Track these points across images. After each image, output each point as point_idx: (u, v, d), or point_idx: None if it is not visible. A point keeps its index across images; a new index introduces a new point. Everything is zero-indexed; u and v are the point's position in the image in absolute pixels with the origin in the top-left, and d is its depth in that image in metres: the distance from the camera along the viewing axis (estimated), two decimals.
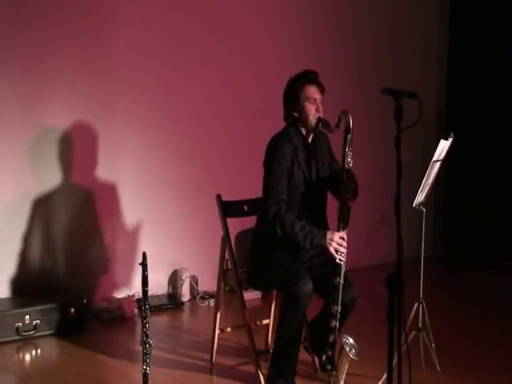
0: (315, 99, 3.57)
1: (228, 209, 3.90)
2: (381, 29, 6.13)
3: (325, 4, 5.81)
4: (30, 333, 4.33)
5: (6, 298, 4.56)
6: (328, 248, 3.44)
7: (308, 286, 3.39)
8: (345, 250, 3.46)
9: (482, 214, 6.30)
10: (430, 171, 3.74)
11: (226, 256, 3.92)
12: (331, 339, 3.45)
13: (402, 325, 2.72)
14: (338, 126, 3.51)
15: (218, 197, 3.88)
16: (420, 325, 3.74)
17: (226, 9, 5.35)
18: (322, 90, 3.61)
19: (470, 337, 4.45)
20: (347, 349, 3.35)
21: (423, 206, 3.80)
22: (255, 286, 3.89)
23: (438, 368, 3.81)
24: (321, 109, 3.59)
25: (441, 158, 3.79)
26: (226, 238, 3.89)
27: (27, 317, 4.32)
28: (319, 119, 3.56)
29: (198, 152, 5.29)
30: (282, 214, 3.48)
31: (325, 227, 3.65)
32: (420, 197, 3.79)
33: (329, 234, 3.46)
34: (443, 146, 3.75)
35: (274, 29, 5.56)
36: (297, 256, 3.59)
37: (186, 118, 5.24)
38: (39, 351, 4.25)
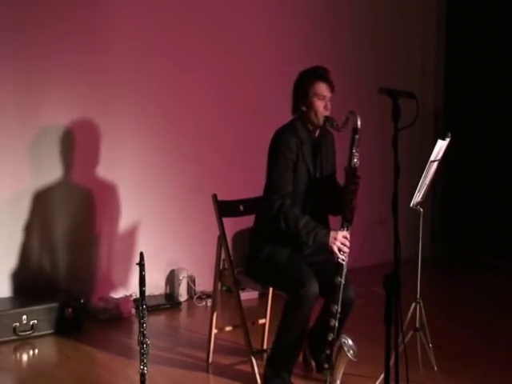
0: (324, 97, 3.55)
1: (224, 208, 3.90)
2: (378, 28, 6.13)
3: (321, 3, 5.81)
4: (28, 333, 4.32)
5: (3, 298, 4.55)
6: (331, 247, 3.44)
7: (314, 288, 3.38)
8: (347, 250, 3.46)
9: (480, 214, 6.30)
10: (428, 171, 3.74)
11: (223, 256, 3.92)
12: (330, 338, 3.45)
13: (399, 325, 2.73)
14: (344, 124, 3.50)
15: (214, 196, 3.88)
16: (417, 325, 3.75)
17: (223, 9, 5.34)
18: (332, 89, 3.58)
19: (467, 337, 4.46)
20: (345, 349, 3.35)
21: (420, 206, 3.81)
22: (253, 278, 3.85)
23: (436, 368, 3.81)
24: (329, 107, 3.57)
25: (438, 158, 3.79)
26: (222, 237, 3.89)
27: (24, 317, 4.31)
28: (327, 117, 3.55)
29: (195, 152, 5.29)
30: (286, 209, 3.45)
31: (325, 223, 3.64)
32: (417, 197, 3.79)
33: (332, 233, 3.46)
34: (440, 146, 3.75)
35: (271, 29, 5.56)
36: (299, 251, 3.57)
37: (183, 118, 5.23)
38: (36, 351, 4.24)
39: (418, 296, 3.76)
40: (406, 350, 2.94)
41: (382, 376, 2.89)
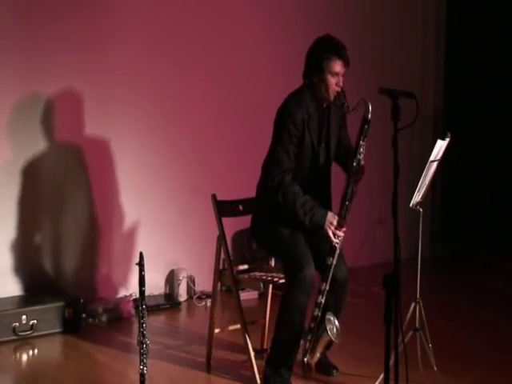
0: (338, 73, 3.48)
1: (223, 208, 3.90)
2: (377, 28, 6.12)
3: (320, 4, 5.80)
4: (27, 333, 4.32)
5: (2, 298, 4.55)
6: (326, 230, 3.44)
7: (311, 271, 3.41)
8: (342, 234, 3.47)
9: (479, 215, 6.30)
10: (427, 171, 3.74)
11: (222, 256, 3.92)
12: (315, 313, 3.48)
13: (399, 325, 2.73)
14: (354, 109, 3.45)
15: (214, 197, 3.88)
16: (417, 325, 3.74)
17: (223, 10, 5.34)
18: (348, 64, 3.51)
19: (466, 337, 4.46)
20: (329, 327, 3.36)
21: (420, 206, 3.80)
22: (257, 242, 3.87)
23: (435, 368, 3.81)
24: (341, 83, 3.50)
25: (438, 158, 3.79)
26: (221, 237, 3.89)
27: (24, 317, 4.31)
28: (338, 93, 3.49)
29: (195, 152, 5.29)
30: (285, 185, 3.43)
31: (327, 200, 3.63)
32: (417, 197, 3.79)
33: (330, 216, 3.45)
34: (440, 145, 3.75)
35: (270, 29, 5.55)
36: (299, 228, 3.54)
37: (183, 118, 5.23)
38: (36, 351, 4.24)
39: (418, 296, 3.76)
40: (405, 349, 2.94)
41: (382, 376, 2.89)
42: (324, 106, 3.60)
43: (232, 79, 5.40)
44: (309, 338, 3.51)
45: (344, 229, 3.47)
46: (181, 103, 5.21)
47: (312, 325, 3.50)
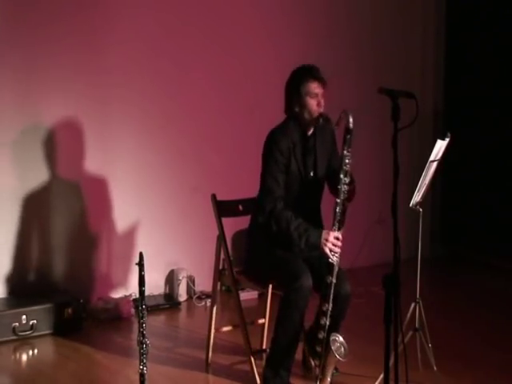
0: (317, 94, 3.55)
1: (223, 208, 3.90)
2: (377, 28, 6.13)
3: (320, 4, 5.81)
4: (27, 333, 4.32)
5: (2, 298, 4.55)
6: (323, 248, 3.44)
7: (309, 281, 3.39)
8: (339, 250, 3.46)
9: (479, 215, 6.30)
10: (427, 171, 3.74)
11: (222, 256, 3.92)
12: (320, 336, 3.45)
13: (398, 325, 2.73)
14: (337, 124, 3.51)
15: (213, 196, 3.89)
16: (417, 325, 3.75)
17: (222, 9, 5.34)
18: (324, 84, 3.58)
19: (466, 337, 4.46)
20: (334, 348, 3.34)
21: (420, 206, 3.81)
22: (251, 278, 3.83)
23: (435, 368, 3.81)
24: (323, 103, 3.57)
25: (438, 158, 3.79)
26: (221, 237, 3.89)
27: (24, 317, 4.31)
28: (321, 114, 3.55)
29: (194, 152, 5.29)
30: (277, 212, 3.48)
31: (318, 223, 3.64)
32: (417, 197, 3.79)
33: (324, 234, 3.46)
34: (440, 145, 3.75)
35: (270, 29, 5.56)
36: (293, 251, 3.57)
37: (182, 118, 5.23)
38: (36, 351, 4.24)
39: (418, 296, 3.76)
40: (405, 349, 2.94)
41: (382, 376, 2.88)
42: (309, 133, 3.66)
43: (232, 79, 5.40)
44: (317, 363, 3.49)
45: (340, 243, 3.46)
46: (180, 103, 5.21)
47: (318, 349, 3.46)
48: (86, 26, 4.78)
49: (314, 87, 3.55)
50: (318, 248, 3.47)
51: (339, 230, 3.49)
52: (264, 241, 3.63)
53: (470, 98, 6.33)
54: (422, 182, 3.75)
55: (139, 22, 5.00)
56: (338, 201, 3.48)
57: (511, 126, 6.02)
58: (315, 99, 3.55)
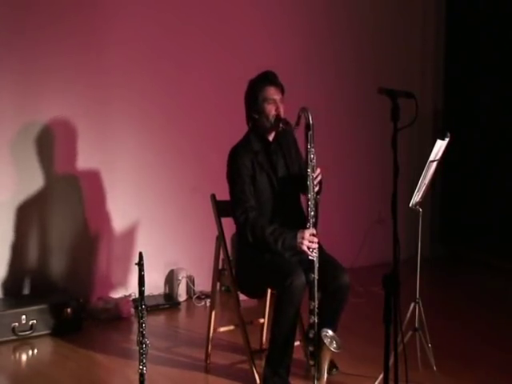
0: (274, 100, 3.60)
1: (223, 208, 3.90)
2: (377, 28, 6.13)
3: (321, 4, 5.81)
4: (27, 333, 4.32)
5: (2, 298, 4.56)
6: (300, 247, 3.45)
7: (301, 278, 3.40)
8: (316, 246, 3.46)
9: (479, 214, 6.30)
10: (427, 171, 3.74)
11: (222, 256, 3.92)
12: (311, 335, 3.46)
13: (398, 325, 2.73)
14: (298, 123, 3.53)
15: (213, 196, 3.89)
16: (416, 325, 3.74)
17: (223, 9, 5.35)
18: (282, 90, 3.63)
19: (466, 337, 4.46)
20: (327, 342, 3.35)
21: (420, 206, 3.80)
22: (245, 292, 3.86)
23: (435, 368, 3.81)
24: (281, 108, 3.60)
25: (437, 158, 3.79)
26: (220, 237, 3.89)
27: (23, 317, 4.31)
28: (279, 119, 3.58)
29: (194, 152, 5.29)
30: (251, 221, 3.51)
31: (302, 223, 3.61)
32: (416, 197, 3.79)
33: (299, 234, 3.47)
34: (440, 145, 3.75)
35: (270, 28, 5.56)
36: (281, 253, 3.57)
37: (182, 118, 5.23)
38: (35, 351, 4.24)
39: (418, 296, 3.76)
40: (405, 349, 2.94)
41: (381, 376, 2.88)
42: (271, 139, 3.69)
43: (232, 79, 5.39)
44: (312, 363, 3.49)
45: (316, 239, 3.47)
46: (180, 103, 5.22)
47: (311, 348, 3.47)
48: (86, 27, 4.79)
49: (271, 93, 3.60)
50: (295, 248, 3.48)
51: (314, 226, 3.50)
52: (251, 252, 3.62)
53: (469, 97, 6.33)
54: (421, 182, 3.75)
55: (139, 22, 5.00)
56: (310, 196, 3.49)
57: (511, 126, 6.02)
58: (273, 105, 3.60)
